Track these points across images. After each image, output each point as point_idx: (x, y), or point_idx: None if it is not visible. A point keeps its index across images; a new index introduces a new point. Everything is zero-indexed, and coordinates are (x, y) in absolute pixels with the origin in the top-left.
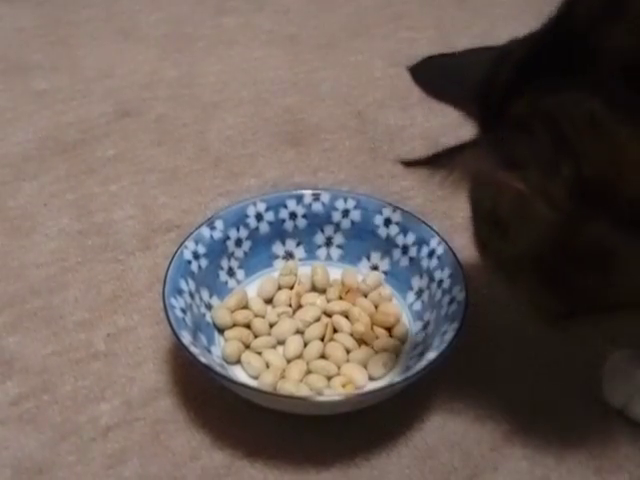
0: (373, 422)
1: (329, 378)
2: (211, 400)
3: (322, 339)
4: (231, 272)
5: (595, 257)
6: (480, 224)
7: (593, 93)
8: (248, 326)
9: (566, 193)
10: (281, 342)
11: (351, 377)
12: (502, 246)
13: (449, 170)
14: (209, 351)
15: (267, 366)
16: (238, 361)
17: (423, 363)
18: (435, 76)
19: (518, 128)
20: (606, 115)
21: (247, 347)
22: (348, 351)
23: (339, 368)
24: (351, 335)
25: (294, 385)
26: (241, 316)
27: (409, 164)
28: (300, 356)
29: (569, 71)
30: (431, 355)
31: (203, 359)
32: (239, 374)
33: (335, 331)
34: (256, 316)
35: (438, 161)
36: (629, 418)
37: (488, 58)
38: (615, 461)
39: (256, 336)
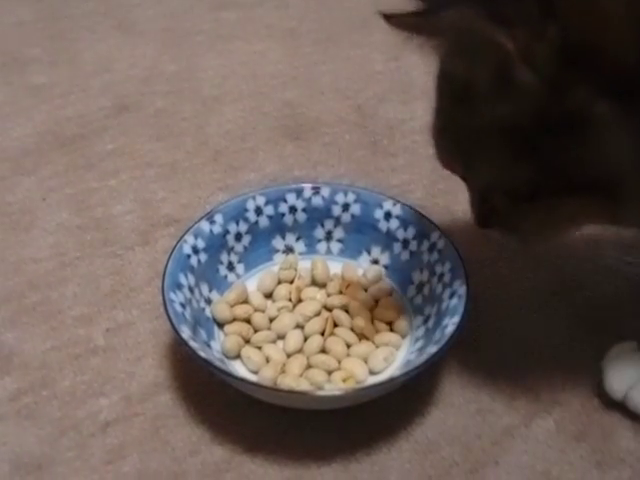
0: (374, 417)
1: (329, 372)
2: (211, 395)
3: (322, 333)
4: (231, 266)
5: (572, 127)
6: (444, 100)
7: None
8: (248, 321)
9: (551, 55)
10: (281, 337)
11: (351, 371)
12: (468, 121)
13: (433, 29)
14: (209, 346)
15: (267, 361)
16: (238, 356)
17: (424, 357)
18: None
19: None
20: None
21: (247, 342)
22: (348, 345)
23: (339, 362)
24: (351, 329)
25: (294, 380)
26: (241, 310)
27: (391, 17)
28: (300, 350)
29: None
30: (432, 349)
31: (203, 354)
32: (239, 369)
33: (335, 325)
34: (256, 310)
35: (424, 16)
36: (630, 410)
37: None
38: (616, 455)
39: (256, 331)
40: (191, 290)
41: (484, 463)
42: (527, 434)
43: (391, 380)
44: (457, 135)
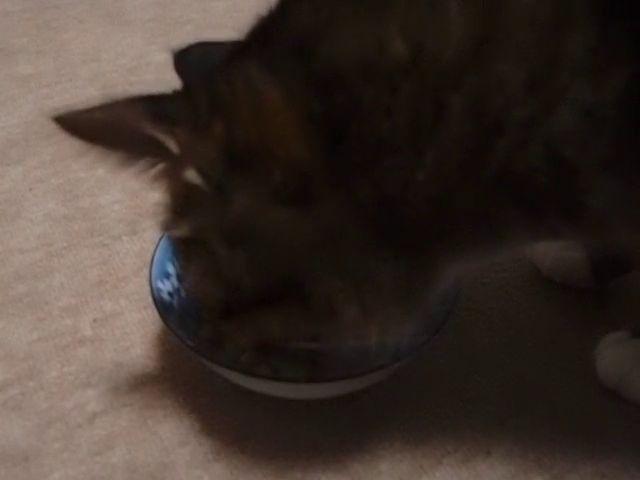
0: (364, 405)
1: None
2: (200, 385)
3: None
4: None
5: (244, 236)
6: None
7: (256, 60)
8: None
9: (216, 155)
10: None
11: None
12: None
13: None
14: (197, 335)
15: None
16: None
17: (414, 345)
18: (191, 63)
19: (180, 93)
20: (260, 77)
21: None
22: None
23: None
24: None
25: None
26: None
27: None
28: None
29: (254, 50)
30: (422, 337)
31: (191, 343)
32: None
33: None
34: None
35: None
36: (623, 398)
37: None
38: (609, 443)
39: None
40: (179, 279)
41: (476, 453)
42: (519, 423)
43: (381, 368)
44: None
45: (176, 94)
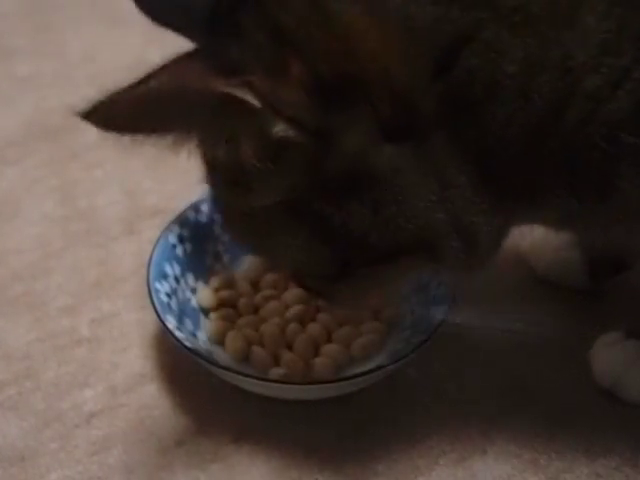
0: (361, 406)
1: (308, 358)
2: (197, 385)
3: (307, 321)
4: (217, 256)
5: (356, 181)
6: (219, 188)
7: None
8: (234, 306)
9: (303, 96)
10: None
11: (332, 356)
12: (248, 204)
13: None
14: (195, 336)
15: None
16: (223, 343)
17: (411, 346)
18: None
19: (231, 34)
20: None
21: (232, 328)
22: (331, 333)
23: (320, 348)
24: (336, 316)
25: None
26: (226, 295)
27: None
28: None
29: None
30: (419, 338)
31: (188, 344)
32: (225, 359)
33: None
34: (242, 297)
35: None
36: (618, 398)
37: None
38: (604, 443)
39: (241, 316)
40: (177, 280)
41: (472, 452)
42: (515, 422)
43: (379, 369)
44: (245, 221)
45: (228, 38)
